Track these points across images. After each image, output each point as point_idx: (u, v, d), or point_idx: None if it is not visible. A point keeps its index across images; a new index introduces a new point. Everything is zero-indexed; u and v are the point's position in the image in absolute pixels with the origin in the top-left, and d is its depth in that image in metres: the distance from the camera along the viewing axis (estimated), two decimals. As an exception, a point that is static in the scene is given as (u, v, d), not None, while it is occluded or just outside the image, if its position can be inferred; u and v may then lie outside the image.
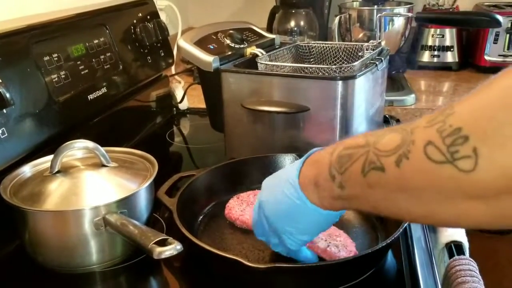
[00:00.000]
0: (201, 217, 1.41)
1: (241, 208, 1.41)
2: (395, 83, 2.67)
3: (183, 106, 2.29)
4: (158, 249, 0.94)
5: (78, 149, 1.21)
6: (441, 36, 2.96)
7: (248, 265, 1.02)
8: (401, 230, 1.14)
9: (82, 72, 1.59)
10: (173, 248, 0.94)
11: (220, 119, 1.74)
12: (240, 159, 1.57)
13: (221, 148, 1.63)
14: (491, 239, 1.35)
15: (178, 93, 2.32)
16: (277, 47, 2.00)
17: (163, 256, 0.94)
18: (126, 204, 1.13)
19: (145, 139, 1.98)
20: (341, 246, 1.20)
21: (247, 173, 1.55)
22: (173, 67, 2.77)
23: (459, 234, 1.45)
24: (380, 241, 1.27)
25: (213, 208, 1.46)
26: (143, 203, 1.20)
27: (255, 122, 1.68)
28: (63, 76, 1.50)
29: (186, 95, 2.28)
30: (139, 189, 1.17)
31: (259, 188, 1.58)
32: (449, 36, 2.96)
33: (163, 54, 2.08)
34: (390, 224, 1.29)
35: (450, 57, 2.98)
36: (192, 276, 1.12)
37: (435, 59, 3.01)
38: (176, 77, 2.68)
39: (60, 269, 1.11)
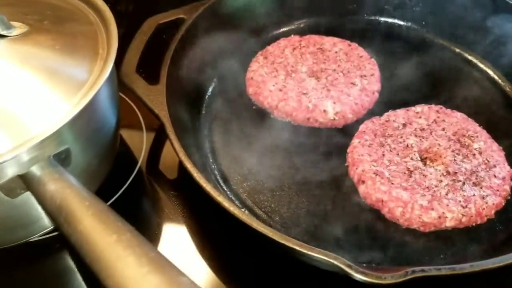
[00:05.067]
0: (204, 107, 0.79)
1: (278, 82, 0.79)
2: None
3: None
4: None
5: None
6: None
7: (365, 279, 0.49)
8: None
9: None
10: None
11: None
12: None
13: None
14: None
15: None
16: None
17: None
18: (69, 134, 0.59)
19: None
20: (485, 174, 0.66)
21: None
22: None
23: None
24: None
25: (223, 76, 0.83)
26: (104, 118, 0.60)
27: None
28: None
29: None
30: (89, 96, 0.55)
31: (304, 28, 0.91)
32: None
33: None
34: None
35: None
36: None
37: None
38: None
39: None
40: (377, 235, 0.66)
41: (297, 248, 0.53)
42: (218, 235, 0.68)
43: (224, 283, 0.65)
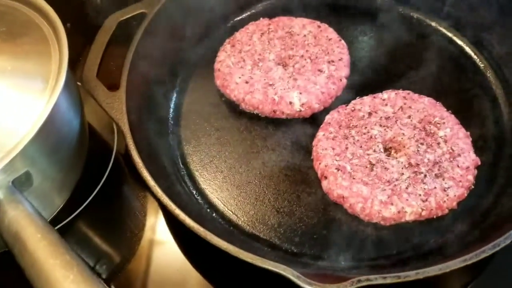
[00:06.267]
0: (172, 103, 0.79)
1: (245, 73, 0.78)
2: None
3: None
4: None
5: None
6: None
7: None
8: None
9: None
10: None
11: None
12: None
13: None
14: None
15: None
16: None
17: None
18: (26, 158, 0.60)
19: None
20: (448, 164, 0.66)
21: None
22: None
23: None
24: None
25: (192, 74, 0.82)
26: (64, 130, 0.63)
27: None
28: None
29: None
30: (43, 117, 0.57)
31: (274, 7, 0.89)
32: None
33: None
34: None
35: None
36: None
37: None
38: None
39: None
40: (341, 229, 0.67)
41: (249, 260, 0.56)
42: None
43: (206, 278, 0.68)
